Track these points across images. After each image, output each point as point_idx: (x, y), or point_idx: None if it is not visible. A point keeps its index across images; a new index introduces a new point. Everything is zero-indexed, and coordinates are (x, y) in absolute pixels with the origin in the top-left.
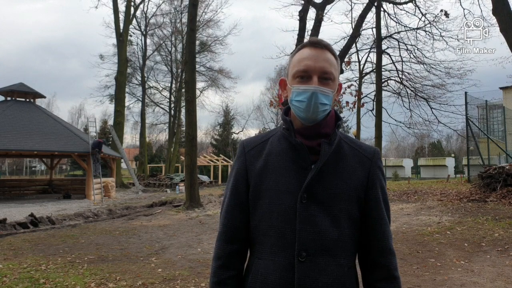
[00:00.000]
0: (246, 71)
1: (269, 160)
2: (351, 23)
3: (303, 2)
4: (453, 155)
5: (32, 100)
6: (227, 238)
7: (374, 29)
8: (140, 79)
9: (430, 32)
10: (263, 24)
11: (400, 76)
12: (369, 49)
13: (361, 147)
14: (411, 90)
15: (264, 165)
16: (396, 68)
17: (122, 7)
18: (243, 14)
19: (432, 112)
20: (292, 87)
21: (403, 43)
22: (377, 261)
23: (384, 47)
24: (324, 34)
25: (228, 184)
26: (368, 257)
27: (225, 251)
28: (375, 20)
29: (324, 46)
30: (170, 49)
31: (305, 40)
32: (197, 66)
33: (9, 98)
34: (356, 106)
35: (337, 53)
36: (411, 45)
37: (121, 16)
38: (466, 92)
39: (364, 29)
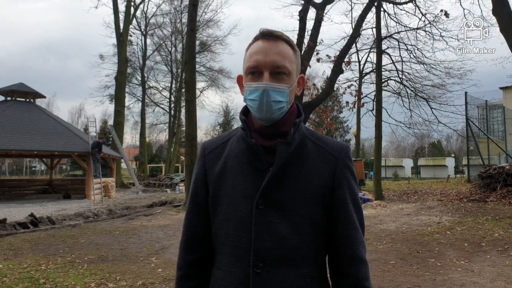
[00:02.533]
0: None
1: (227, 163)
2: (351, 23)
3: (303, 2)
4: (453, 155)
5: (32, 100)
6: (187, 246)
7: (374, 29)
8: (140, 79)
9: (430, 32)
10: (268, 23)
11: (400, 76)
12: (369, 49)
13: (328, 144)
14: (411, 90)
15: (223, 169)
16: (396, 68)
17: (122, 7)
18: (247, 13)
19: (432, 112)
20: (245, 84)
21: (403, 43)
22: (344, 270)
23: (384, 47)
24: (324, 34)
25: (190, 189)
26: (336, 265)
27: (185, 261)
28: (375, 20)
29: (276, 37)
30: (170, 49)
31: (305, 41)
32: (197, 66)
33: (9, 98)
34: (356, 106)
35: (337, 52)
36: (411, 45)
37: (121, 16)
38: (466, 92)
39: (364, 29)
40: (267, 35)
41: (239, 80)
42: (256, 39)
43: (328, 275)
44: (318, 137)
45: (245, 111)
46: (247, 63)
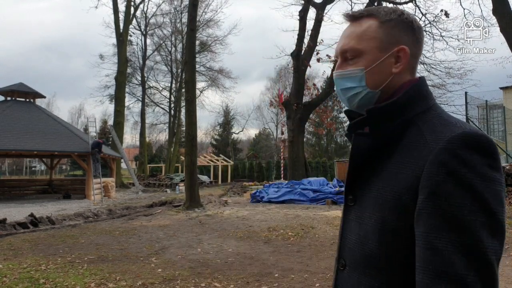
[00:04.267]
0: (251, 70)
1: None
2: None
3: (303, 2)
4: None
5: (32, 100)
6: None
7: None
8: (140, 79)
9: (430, 32)
10: (269, 23)
11: None
12: None
13: (434, 131)
14: None
15: None
16: None
17: (122, 7)
18: (250, 12)
19: None
20: None
21: None
22: None
23: None
24: (324, 34)
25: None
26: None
27: None
28: None
29: (352, 18)
30: (170, 49)
31: (305, 41)
32: (197, 66)
33: (9, 98)
34: None
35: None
36: None
37: (121, 16)
38: (466, 92)
39: None
40: (346, 17)
41: None
42: None
43: None
44: (430, 124)
45: None
46: None
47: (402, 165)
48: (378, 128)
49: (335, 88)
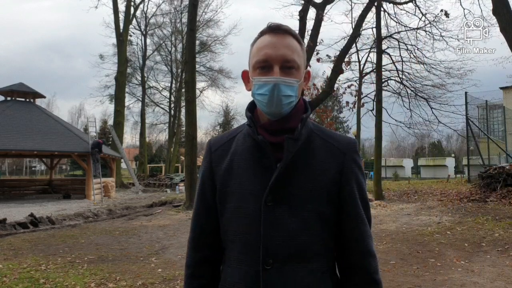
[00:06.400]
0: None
1: (234, 160)
2: (351, 23)
3: (303, 2)
4: (453, 155)
5: (32, 100)
6: (195, 245)
7: (374, 29)
8: (140, 79)
9: (430, 32)
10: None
11: (400, 76)
12: (369, 49)
13: (335, 138)
14: (411, 90)
15: (229, 166)
16: (396, 68)
17: (122, 7)
18: (254, 11)
19: (432, 112)
20: (253, 79)
21: (403, 43)
22: (355, 264)
23: (384, 47)
24: (324, 34)
25: (197, 186)
26: (345, 260)
27: (194, 259)
28: (375, 20)
29: (284, 31)
30: (170, 49)
31: (305, 41)
32: (197, 66)
33: (9, 98)
34: (356, 106)
35: (337, 52)
36: (411, 45)
37: (121, 16)
38: (466, 92)
39: (364, 29)
40: (275, 29)
41: (244, 75)
42: (263, 33)
43: (337, 269)
44: (325, 132)
45: (251, 108)
46: (256, 57)
47: (322, 163)
48: (302, 134)
49: (268, 92)
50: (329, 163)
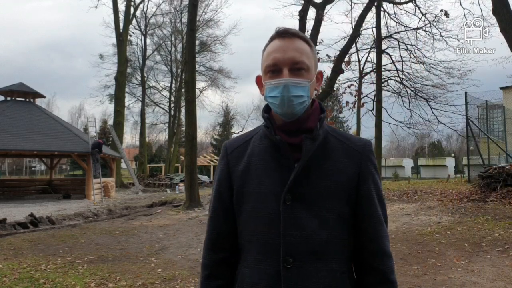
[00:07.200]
0: (256, 70)
1: (251, 161)
2: (351, 23)
3: (303, 2)
4: (453, 155)
5: (32, 100)
6: (213, 246)
7: (374, 29)
8: (140, 79)
9: (430, 32)
10: (267, 23)
11: (400, 76)
12: (369, 49)
13: (350, 140)
14: (411, 90)
15: (246, 167)
16: (396, 68)
17: (122, 7)
18: (255, 11)
19: (432, 112)
20: (265, 83)
21: (403, 43)
22: (371, 263)
23: (384, 47)
24: (324, 34)
25: (213, 188)
26: (361, 259)
27: (211, 260)
28: (375, 20)
29: (292, 35)
30: (170, 49)
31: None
32: (197, 66)
33: (8, 98)
34: (356, 106)
35: (337, 51)
36: (411, 45)
37: (121, 16)
38: (466, 92)
39: (364, 29)
40: (283, 33)
41: (258, 80)
42: (272, 38)
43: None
44: (340, 133)
45: (267, 110)
46: (266, 62)
47: (339, 163)
48: (319, 134)
49: (279, 94)
50: (346, 163)
